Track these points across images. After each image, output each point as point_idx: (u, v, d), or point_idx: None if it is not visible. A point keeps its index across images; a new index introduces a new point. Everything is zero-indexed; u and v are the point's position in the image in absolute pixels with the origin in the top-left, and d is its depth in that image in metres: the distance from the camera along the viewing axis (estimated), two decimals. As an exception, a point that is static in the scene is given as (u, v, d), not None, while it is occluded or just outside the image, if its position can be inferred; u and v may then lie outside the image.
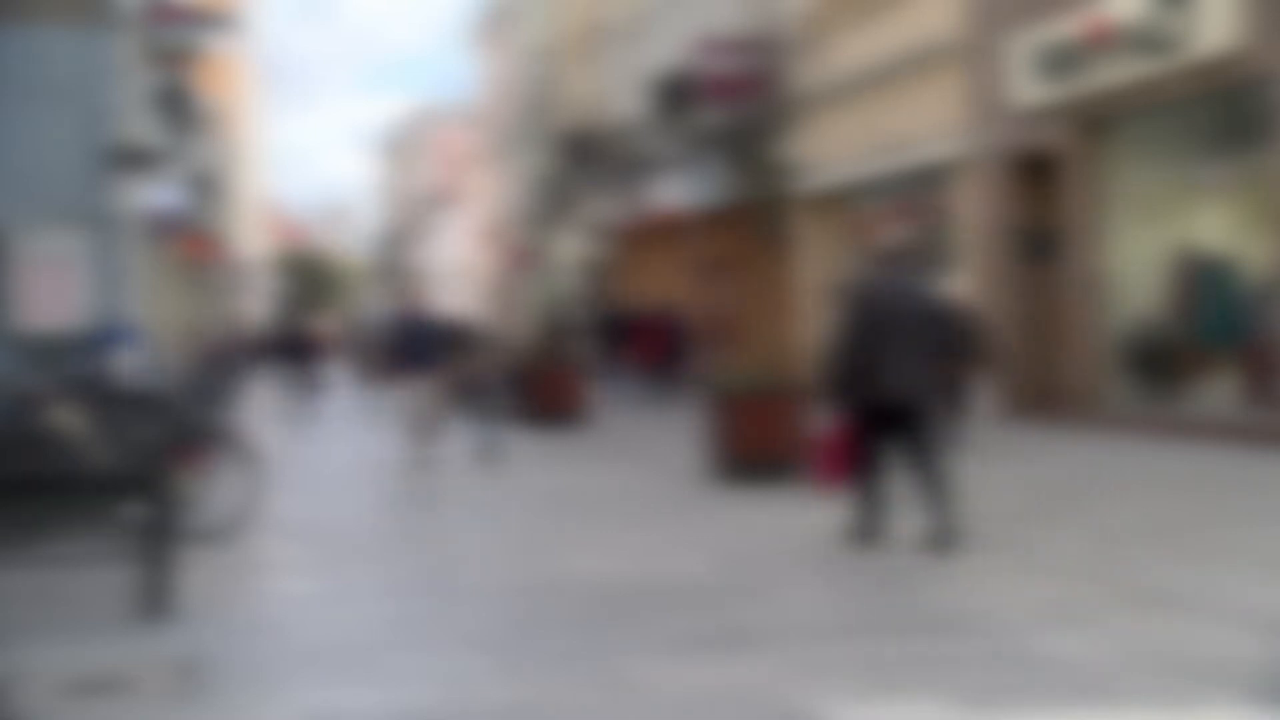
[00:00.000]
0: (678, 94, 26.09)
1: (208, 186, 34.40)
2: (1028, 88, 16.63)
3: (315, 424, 23.07)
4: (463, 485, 13.47)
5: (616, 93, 33.55)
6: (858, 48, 21.54)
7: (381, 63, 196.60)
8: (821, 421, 10.91)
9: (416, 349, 14.26)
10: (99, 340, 16.36)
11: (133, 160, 20.58)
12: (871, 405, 9.11)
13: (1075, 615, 6.95)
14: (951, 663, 6.16)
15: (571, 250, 38.78)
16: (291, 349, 27.25)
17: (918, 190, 20.81)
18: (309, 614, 7.65)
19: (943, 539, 8.82)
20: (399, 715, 5.74)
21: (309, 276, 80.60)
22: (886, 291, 9.23)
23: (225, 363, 27.95)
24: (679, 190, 27.61)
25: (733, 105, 24.60)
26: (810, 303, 23.45)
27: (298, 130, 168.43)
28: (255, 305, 65.00)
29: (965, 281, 19.08)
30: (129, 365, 15.75)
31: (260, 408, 26.24)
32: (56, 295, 19.07)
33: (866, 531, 9.20)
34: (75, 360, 16.10)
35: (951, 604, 7.33)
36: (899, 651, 6.41)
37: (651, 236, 31.18)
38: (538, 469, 14.83)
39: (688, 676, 6.11)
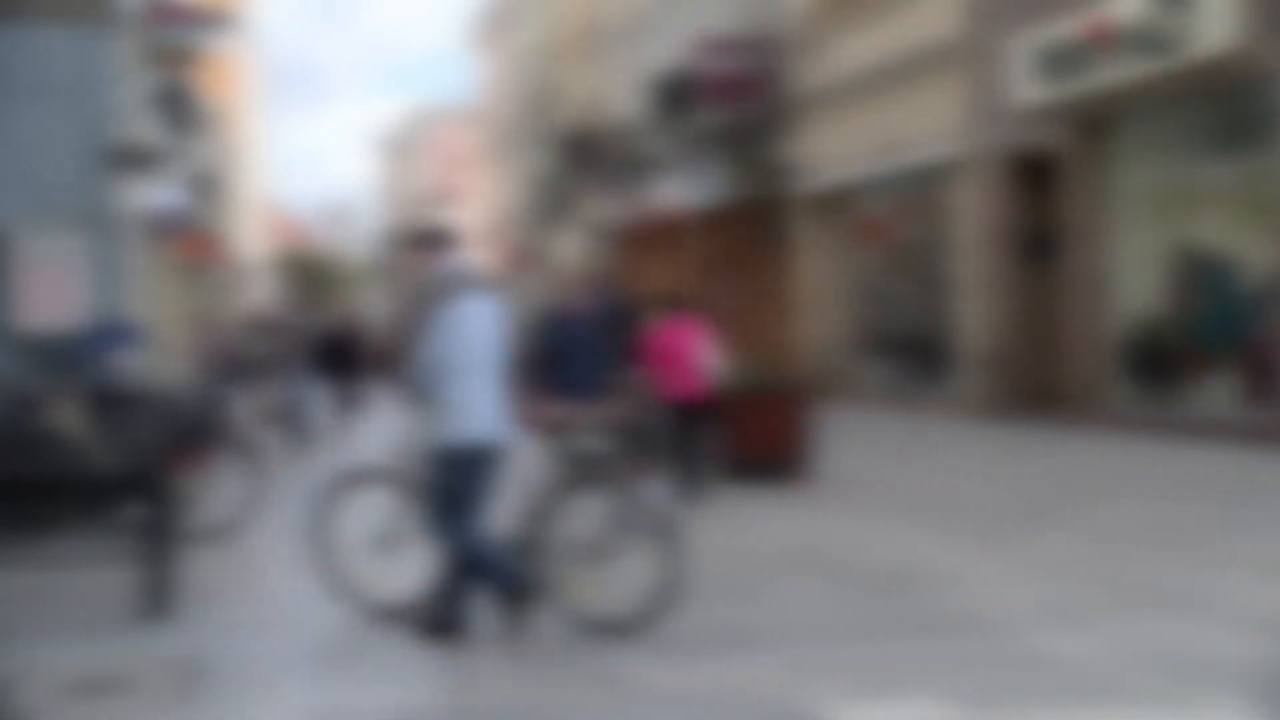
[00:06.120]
0: (678, 94, 26.08)
1: (208, 186, 34.38)
2: (1028, 88, 16.63)
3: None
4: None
5: (616, 93, 33.55)
6: (858, 48, 21.54)
7: (395, 65, 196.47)
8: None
9: (572, 367, 10.11)
10: (99, 340, 16.34)
11: (133, 160, 20.57)
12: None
13: (1075, 615, 6.95)
14: (951, 663, 6.16)
15: (571, 250, 38.77)
16: (332, 354, 21.92)
17: (918, 190, 20.81)
18: (309, 613, 7.64)
19: None
20: (399, 715, 5.74)
21: (309, 276, 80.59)
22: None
23: (234, 363, 27.08)
24: (679, 190, 27.61)
25: (733, 105, 24.60)
26: (811, 303, 23.45)
27: (311, 133, 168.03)
28: (255, 305, 64.99)
29: (965, 281, 19.09)
30: (129, 365, 15.73)
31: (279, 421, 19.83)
32: (56, 295, 19.06)
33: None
34: (75, 360, 16.09)
35: (951, 605, 7.33)
36: (899, 651, 6.41)
37: (651, 236, 31.16)
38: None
39: (688, 676, 6.12)
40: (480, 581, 6.79)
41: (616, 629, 6.72)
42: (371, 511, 7.33)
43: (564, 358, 10.18)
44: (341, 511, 7.39)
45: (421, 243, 7.12)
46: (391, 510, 7.21)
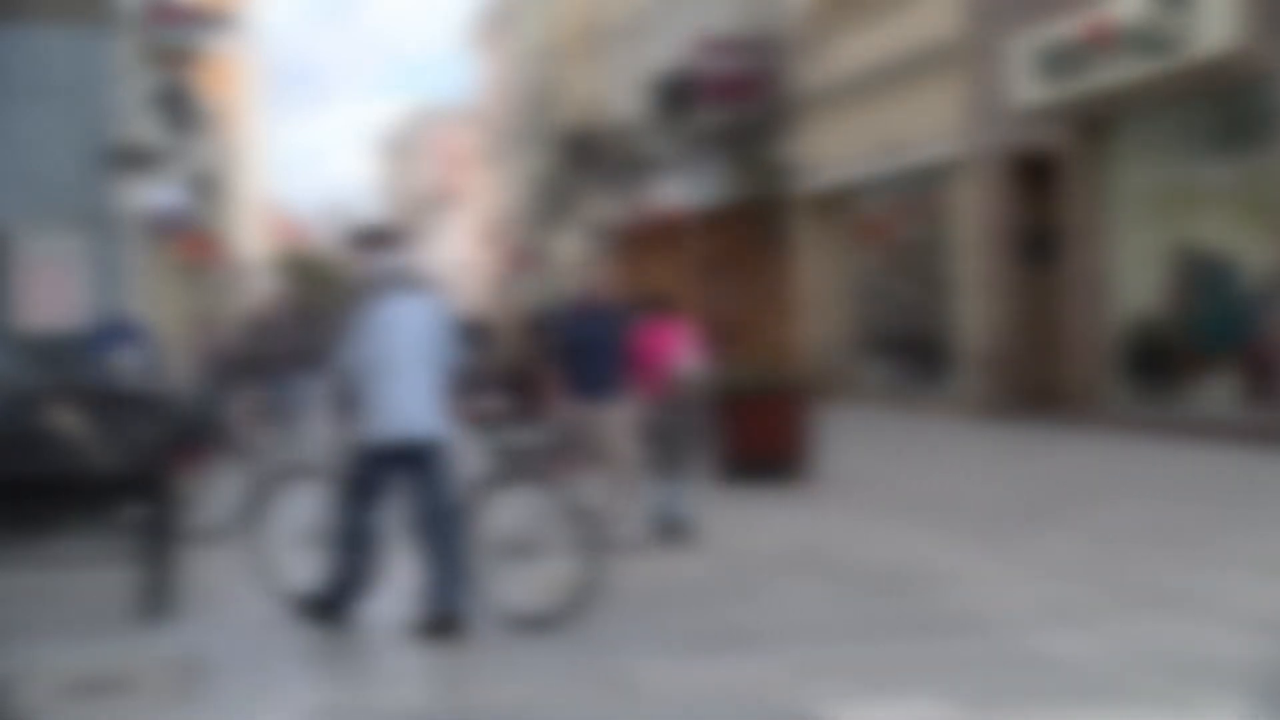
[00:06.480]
0: (678, 94, 26.07)
1: (208, 186, 34.37)
2: (1028, 88, 16.63)
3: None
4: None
5: (616, 93, 33.54)
6: (858, 48, 21.54)
7: (395, 65, 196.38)
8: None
9: (595, 364, 9.61)
10: (102, 340, 16.33)
11: (133, 160, 20.57)
12: None
13: (1075, 615, 6.95)
14: (951, 663, 6.16)
15: (571, 250, 38.77)
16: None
17: (918, 190, 20.81)
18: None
19: None
20: (399, 715, 5.74)
21: (309, 276, 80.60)
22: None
23: (233, 363, 26.70)
24: (679, 190, 27.60)
25: (733, 105, 24.59)
26: (811, 303, 23.44)
27: (311, 133, 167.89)
28: (255, 305, 64.98)
29: (966, 281, 19.09)
30: (129, 365, 15.71)
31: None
32: (56, 295, 19.07)
33: None
34: (75, 360, 16.08)
35: (951, 604, 7.33)
36: (899, 652, 6.41)
37: (651, 236, 31.16)
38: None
39: (688, 676, 6.11)
40: (347, 562, 6.93)
41: (537, 624, 6.87)
42: (306, 507, 7.44)
43: (582, 355, 9.60)
44: (275, 508, 7.47)
45: (363, 241, 7.19)
46: (322, 505, 7.28)
